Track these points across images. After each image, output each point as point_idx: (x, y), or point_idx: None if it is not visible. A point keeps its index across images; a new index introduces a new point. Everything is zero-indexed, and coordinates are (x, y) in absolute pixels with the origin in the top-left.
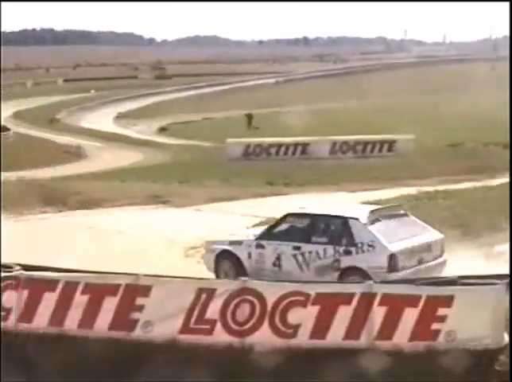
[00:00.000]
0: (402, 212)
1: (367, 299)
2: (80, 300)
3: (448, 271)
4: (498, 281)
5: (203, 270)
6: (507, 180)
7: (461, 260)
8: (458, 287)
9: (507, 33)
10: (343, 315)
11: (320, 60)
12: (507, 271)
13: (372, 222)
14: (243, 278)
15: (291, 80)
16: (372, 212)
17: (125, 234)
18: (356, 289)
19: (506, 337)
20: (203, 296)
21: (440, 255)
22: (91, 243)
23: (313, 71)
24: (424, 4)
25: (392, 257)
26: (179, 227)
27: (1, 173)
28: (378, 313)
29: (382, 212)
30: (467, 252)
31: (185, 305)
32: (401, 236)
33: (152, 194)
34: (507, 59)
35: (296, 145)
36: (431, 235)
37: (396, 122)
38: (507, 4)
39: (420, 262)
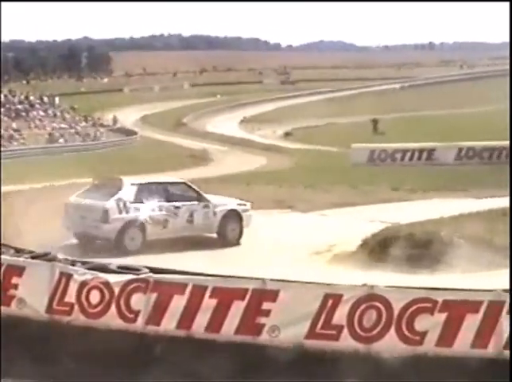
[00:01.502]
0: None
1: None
2: (208, 304)
3: None
4: None
5: (329, 276)
6: None
7: None
8: None
9: None
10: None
11: (446, 65)
12: None
13: None
14: (370, 284)
15: (416, 86)
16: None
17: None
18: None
19: None
20: (330, 301)
21: None
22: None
23: (438, 76)
24: None
25: None
26: (304, 231)
27: (127, 177)
28: (506, 322)
29: None
30: None
31: (312, 311)
32: None
33: (277, 199)
34: None
35: (421, 150)
36: None
37: None
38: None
39: None
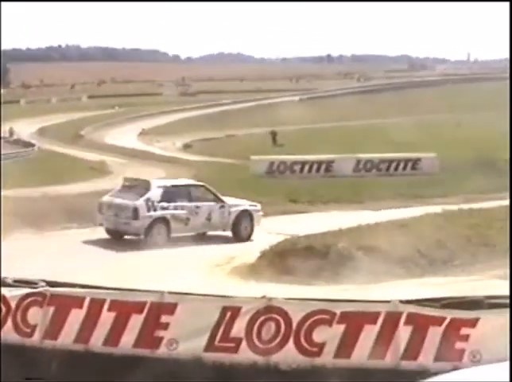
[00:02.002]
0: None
1: (393, 318)
2: (106, 317)
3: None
4: None
5: (228, 288)
6: None
7: (486, 280)
8: (483, 310)
9: None
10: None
11: (344, 78)
12: None
13: None
14: (269, 297)
15: (315, 98)
16: None
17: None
18: (382, 308)
19: None
20: (228, 314)
21: None
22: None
23: (337, 89)
24: (448, 22)
25: None
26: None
27: (24, 189)
28: (404, 333)
29: None
30: (494, 271)
31: (210, 324)
32: None
33: None
34: None
35: (320, 162)
36: None
37: (420, 139)
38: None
39: None
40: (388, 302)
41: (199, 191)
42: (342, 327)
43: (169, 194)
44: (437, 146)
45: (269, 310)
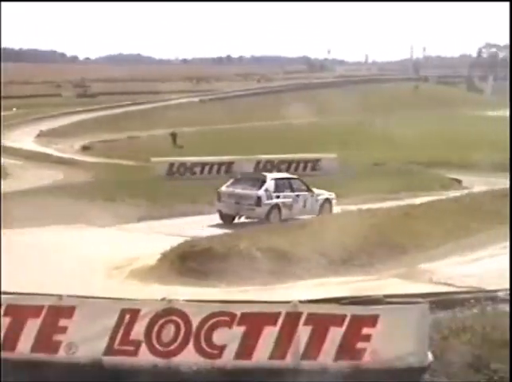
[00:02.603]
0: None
1: (293, 319)
2: (2, 322)
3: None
4: (421, 300)
5: (127, 291)
6: (430, 198)
7: (385, 280)
8: (383, 307)
9: (427, 54)
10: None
11: (244, 79)
12: (430, 290)
13: None
14: (168, 298)
15: (216, 99)
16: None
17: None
18: (282, 309)
19: (430, 356)
20: (127, 317)
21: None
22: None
23: (237, 90)
24: (347, 24)
25: None
26: (103, 246)
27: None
28: (304, 333)
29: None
30: (392, 271)
31: (109, 327)
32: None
33: (74, 213)
34: (428, 79)
35: (220, 164)
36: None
37: (321, 140)
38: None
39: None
40: (288, 302)
41: (296, 183)
42: (242, 328)
43: (279, 186)
44: (338, 147)
45: (169, 312)
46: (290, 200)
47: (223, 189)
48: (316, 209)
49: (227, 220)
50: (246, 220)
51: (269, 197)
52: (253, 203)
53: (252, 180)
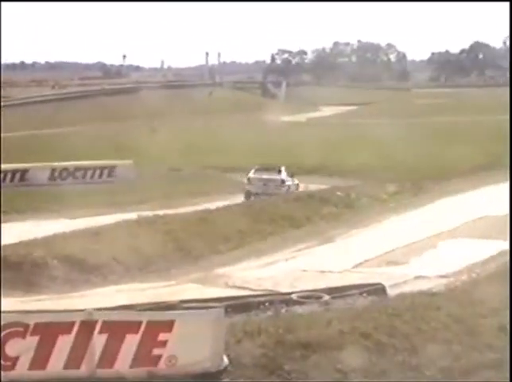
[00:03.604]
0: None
1: (88, 327)
2: None
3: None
4: (216, 304)
5: None
6: (225, 203)
7: (181, 285)
8: (178, 312)
9: (222, 60)
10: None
11: (38, 85)
12: (226, 294)
13: None
14: None
15: (8, 106)
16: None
17: None
18: (76, 317)
19: (226, 360)
20: None
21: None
22: None
23: (31, 96)
24: (142, 29)
25: None
26: None
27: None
28: (99, 341)
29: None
30: (188, 276)
31: None
32: None
33: None
34: (223, 84)
35: (14, 171)
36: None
37: (114, 147)
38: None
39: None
40: (82, 310)
41: (286, 172)
42: (36, 338)
43: (287, 173)
44: (134, 153)
45: None
46: (292, 183)
47: (251, 175)
48: (294, 189)
49: (249, 197)
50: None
51: (287, 181)
52: (278, 184)
53: (271, 169)
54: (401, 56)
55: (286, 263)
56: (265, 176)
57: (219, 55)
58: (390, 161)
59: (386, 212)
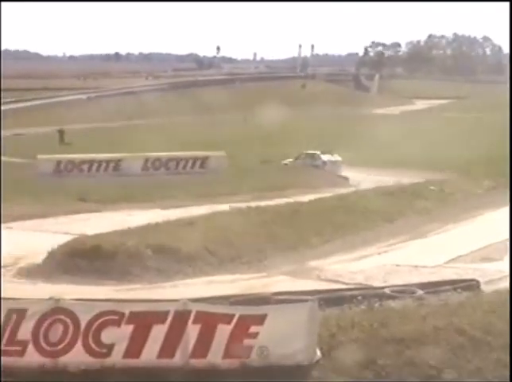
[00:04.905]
0: None
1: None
2: None
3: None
4: (308, 297)
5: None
6: (318, 196)
7: (274, 277)
8: (271, 306)
9: (315, 52)
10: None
11: (132, 77)
12: (319, 287)
13: None
14: (56, 298)
15: (103, 96)
16: None
17: None
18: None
19: (319, 353)
20: (14, 317)
21: None
22: None
23: (125, 87)
24: (236, 22)
25: None
26: None
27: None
28: (193, 331)
29: None
30: (281, 268)
31: None
32: None
33: None
34: (315, 77)
35: (108, 161)
36: None
37: (210, 137)
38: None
39: None
40: (177, 300)
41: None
42: (131, 327)
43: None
44: (226, 144)
45: (57, 312)
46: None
47: (301, 155)
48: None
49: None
50: None
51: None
52: (320, 164)
53: (312, 155)
54: (497, 50)
55: (379, 257)
56: (308, 161)
57: (312, 47)
58: (484, 156)
59: (481, 208)
